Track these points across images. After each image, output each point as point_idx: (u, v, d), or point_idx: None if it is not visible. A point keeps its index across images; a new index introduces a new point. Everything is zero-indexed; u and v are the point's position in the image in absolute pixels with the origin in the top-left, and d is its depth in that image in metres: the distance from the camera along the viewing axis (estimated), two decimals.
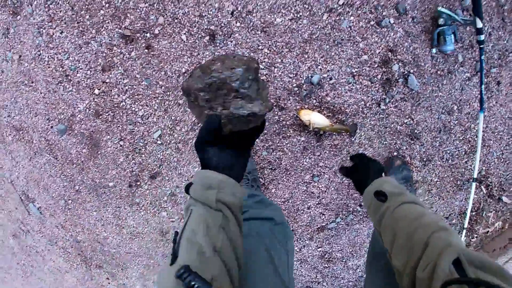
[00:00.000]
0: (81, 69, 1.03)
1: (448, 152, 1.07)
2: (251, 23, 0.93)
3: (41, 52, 1.04)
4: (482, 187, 1.14)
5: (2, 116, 1.19)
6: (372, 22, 0.94)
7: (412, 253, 0.44)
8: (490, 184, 1.13)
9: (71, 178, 1.19)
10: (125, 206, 1.16)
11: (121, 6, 0.96)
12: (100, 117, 1.06)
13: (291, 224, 1.14)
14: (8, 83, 1.13)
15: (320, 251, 1.20)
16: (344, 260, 1.23)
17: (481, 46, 0.84)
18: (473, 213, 1.20)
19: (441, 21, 0.88)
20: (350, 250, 1.20)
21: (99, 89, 1.04)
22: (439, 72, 0.98)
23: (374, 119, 1.01)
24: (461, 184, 1.11)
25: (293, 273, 0.71)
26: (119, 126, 1.05)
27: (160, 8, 0.95)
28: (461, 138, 1.05)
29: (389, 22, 0.94)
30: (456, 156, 1.08)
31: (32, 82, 1.09)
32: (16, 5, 1.03)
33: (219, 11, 0.93)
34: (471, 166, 1.08)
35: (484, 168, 1.10)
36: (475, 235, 1.22)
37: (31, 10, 1.01)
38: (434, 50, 0.95)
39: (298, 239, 1.17)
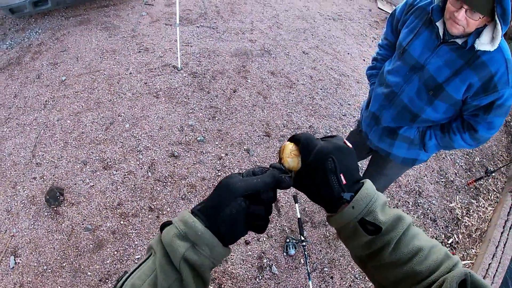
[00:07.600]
0: (122, 209, 2.11)
1: None
2: None
3: (91, 191, 2.14)
4: None
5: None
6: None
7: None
8: None
9: (67, 256, 1.95)
10: None
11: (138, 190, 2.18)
12: (114, 234, 2.01)
13: None
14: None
15: None
16: None
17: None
18: None
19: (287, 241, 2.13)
20: None
21: (123, 222, 2.06)
22: (289, 266, 2.12)
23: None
24: None
25: None
26: (120, 243, 1.99)
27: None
28: None
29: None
30: None
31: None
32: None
33: None
34: None
35: None
36: None
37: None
38: (285, 253, 2.13)
39: None
